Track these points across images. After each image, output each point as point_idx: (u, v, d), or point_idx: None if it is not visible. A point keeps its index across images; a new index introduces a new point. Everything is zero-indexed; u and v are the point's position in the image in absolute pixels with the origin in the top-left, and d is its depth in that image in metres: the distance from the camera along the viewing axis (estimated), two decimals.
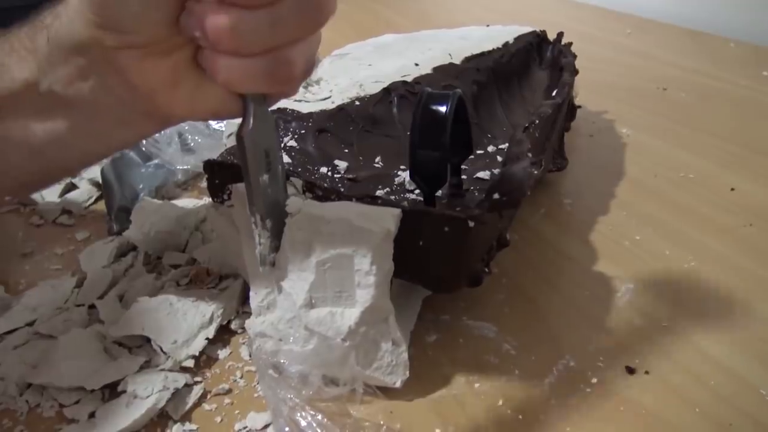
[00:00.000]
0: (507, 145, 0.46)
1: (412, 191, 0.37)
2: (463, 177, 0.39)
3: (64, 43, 0.26)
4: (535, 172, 0.33)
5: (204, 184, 0.57)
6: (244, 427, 0.33)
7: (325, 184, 0.35)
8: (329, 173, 0.38)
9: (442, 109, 0.33)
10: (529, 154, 0.34)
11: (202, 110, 0.28)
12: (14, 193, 0.35)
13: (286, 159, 0.38)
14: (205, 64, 0.26)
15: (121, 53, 0.25)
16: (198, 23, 0.24)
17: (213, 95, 0.27)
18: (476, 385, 0.35)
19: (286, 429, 0.31)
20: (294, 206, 0.31)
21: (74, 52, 0.26)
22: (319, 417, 0.31)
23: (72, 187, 0.56)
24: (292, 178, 0.35)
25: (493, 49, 0.59)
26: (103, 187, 0.51)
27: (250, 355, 0.37)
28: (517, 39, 0.63)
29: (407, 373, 0.33)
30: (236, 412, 0.34)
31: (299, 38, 0.25)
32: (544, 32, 0.68)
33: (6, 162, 0.30)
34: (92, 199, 0.55)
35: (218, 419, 0.33)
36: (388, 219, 0.31)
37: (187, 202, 0.52)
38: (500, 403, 0.33)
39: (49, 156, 0.30)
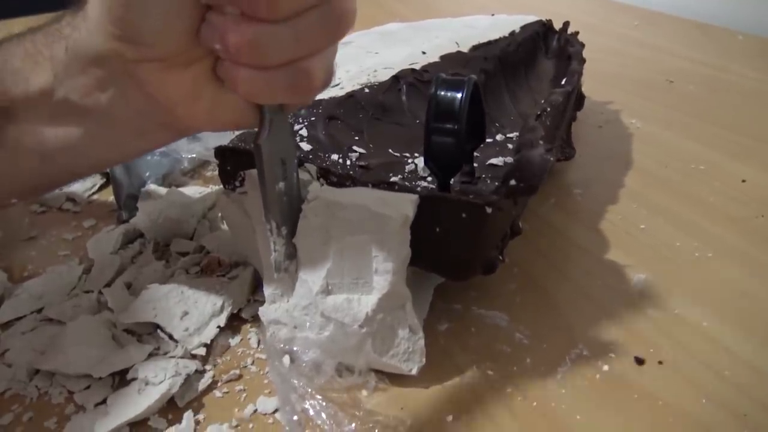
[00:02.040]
0: (515, 133, 0.46)
1: (424, 178, 0.37)
2: (474, 165, 0.39)
3: (83, 54, 0.26)
4: (551, 158, 0.32)
5: (210, 172, 0.57)
6: (254, 410, 0.33)
7: (339, 171, 0.35)
8: (341, 160, 0.37)
9: (458, 95, 0.33)
10: (541, 142, 0.34)
11: (221, 121, 0.28)
12: (22, 196, 0.35)
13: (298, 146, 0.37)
14: (225, 76, 0.26)
15: (140, 66, 0.25)
16: (219, 36, 0.24)
17: (232, 106, 0.27)
18: (489, 373, 0.34)
19: (295, 417, 0.31)
20: (313, 192, 0.31)
21: (93, 63, 0.26)
22: (329, 406, 0.31)
23: None
24: (306, 164, 0.35)
25: (500, 38, 0.59)
26: (111, 176, 0.51)
27: (259, 343, 0.37)
28: (523, 28, 0.63)
29: (423, 360, 0.33)
30: (246, 397, 0.33)
31: (319, 50, 0.25)
32: (550, 21, 0.68)
33: (16, 165, 0.30)
34: (96, 187, 0.54)
35: (228, 404, 0.33)
36: (406, 205, 0.31)
37: (193, 190, 0.51)
38: (513, 391, 0.33)
39: (60, 161, 0.30)
